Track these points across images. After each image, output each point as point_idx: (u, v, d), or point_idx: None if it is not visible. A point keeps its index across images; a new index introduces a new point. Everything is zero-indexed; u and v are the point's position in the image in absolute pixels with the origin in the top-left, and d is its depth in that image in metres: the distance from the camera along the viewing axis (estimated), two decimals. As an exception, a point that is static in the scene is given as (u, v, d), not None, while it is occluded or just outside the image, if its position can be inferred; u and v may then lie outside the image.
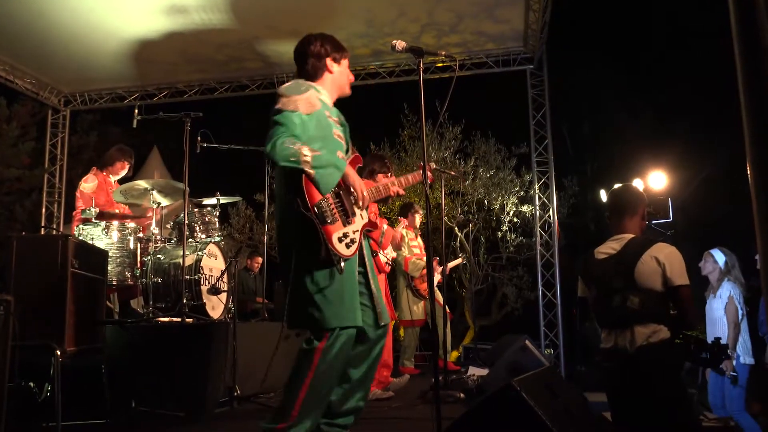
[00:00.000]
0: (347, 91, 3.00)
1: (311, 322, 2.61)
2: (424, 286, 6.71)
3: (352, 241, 2.65)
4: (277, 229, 2.84)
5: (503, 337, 6.76)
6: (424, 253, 6.92)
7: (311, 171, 2.54)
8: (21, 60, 7.96)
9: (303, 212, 2.54)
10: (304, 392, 2.55)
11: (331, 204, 2.63)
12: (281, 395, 2.65)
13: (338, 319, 2.58)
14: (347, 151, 2.93)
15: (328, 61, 2.88)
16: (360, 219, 2.78)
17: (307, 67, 2.87)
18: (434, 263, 6.83)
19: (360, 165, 2.94)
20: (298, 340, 5.96)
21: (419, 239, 6.98)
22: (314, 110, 2.69)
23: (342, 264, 2.58)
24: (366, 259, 2.85)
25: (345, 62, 2.95)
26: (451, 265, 8.01)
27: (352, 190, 2.72)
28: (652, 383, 2.79)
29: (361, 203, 2.74)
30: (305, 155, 2.53)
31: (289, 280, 2.65)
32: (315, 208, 2.55)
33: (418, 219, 6.82)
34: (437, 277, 6.88)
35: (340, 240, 2.60)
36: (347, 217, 2.69)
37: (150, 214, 5.44)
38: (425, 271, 6.67)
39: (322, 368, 2.56)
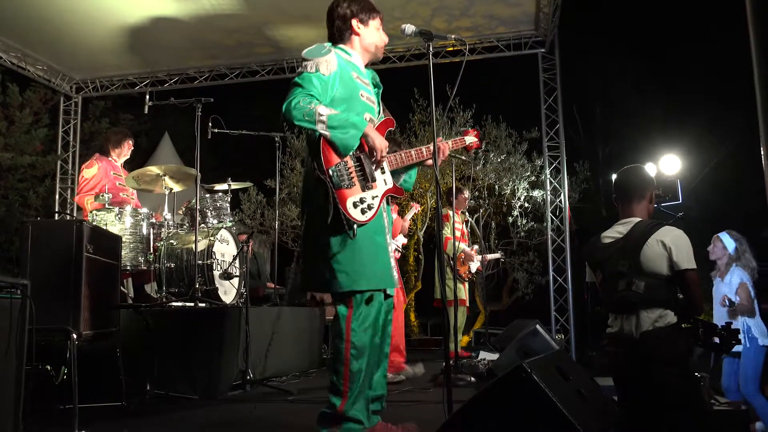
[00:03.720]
0: (379, 54, 2.93)
1: (324, 285, 2.63)
2: (464, 269, 6.72)
3: (369, 206, 2.60)
4: (301, 191, 2.83)
5: (514, 322, 6.76)
6: (466, 239, 6.95)
7: (327, 132, 2.50)
8: (33, 47, 7.99)
9: (318, 176, 2.52)
10: (348, 365, 2.55)
11: (349, 167, 2.58)
12: (329, 372, 2.67)
13: (352, 284, 2.57)
14: (378, 114, 2.86)
15: (354, 22, 2.82)
16: (383, 184, 2.72)
17: (333, 30, 2.84)
18: (473, 252, 6.84)
19: (391, 128, 2.85)
20: (312, 326, 6.02)
21: (464, 225, 6.99)
22: (334, 71, 2.65)
23: (355, 229, 2.54)
24: (386, 227, 2.78)
25: (374, 23, 2.88)
26: (489, 257, 8.04)
27: (372, 150, 2.64)
28: (657, 368, 2.77)
29: (378, 162, 2.66)
30: (320, 114, 2.49)
31: (304, 242, 2.67)
32: (330, 171, 2.51)
33: (466, 194, 6.89)
34: (476, 265, 6.89)
35: (355, 205, 2.55)
36: (366, 182, 2.63)
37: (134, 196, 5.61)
38: (463, 254, 6.69)
39: (355, 337, 2.56)
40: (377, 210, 2.64)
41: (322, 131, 2.50)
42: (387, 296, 2.76)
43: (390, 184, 2.76)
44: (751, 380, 5.04)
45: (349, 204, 2.53)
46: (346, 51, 2.82)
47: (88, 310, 3.37)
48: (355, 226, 2.54)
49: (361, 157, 2.63)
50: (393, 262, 2.76)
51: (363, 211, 2.57)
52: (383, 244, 2.70)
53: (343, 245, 2.57)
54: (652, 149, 10.53)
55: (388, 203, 2.82)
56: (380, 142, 2.64)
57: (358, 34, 2.84)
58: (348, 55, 2.81)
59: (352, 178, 2.58)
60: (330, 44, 2.79)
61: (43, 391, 3.20)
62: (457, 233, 6.68)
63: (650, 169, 7.07)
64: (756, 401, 4.97)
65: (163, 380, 3.99)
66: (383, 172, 2.74)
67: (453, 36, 2.99)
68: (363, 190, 2.60)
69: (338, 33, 2.83)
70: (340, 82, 2.68)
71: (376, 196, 2.65)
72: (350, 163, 2.59)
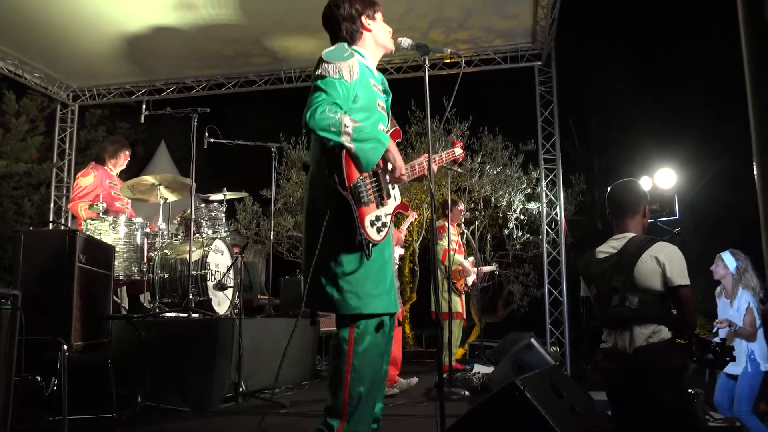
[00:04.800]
0: (391, 46, 2.77)
1: (332, 305, 2.49)
2: (461, 282, 6.70)
3: (384, 225, 2.50)
4: (306, 204, 2.65)
5: (509, 334, 6.75)
6: (462, 251, 6.93)
7: (351, 145, 2.37)
8: (30, 54, 7.99)
9: (339, 191, 2.39)
10: (348, 388, 2.44)
11: (367, 183, 2.48)
12: (327, 394, 2.55)
13: (362, 306, 2.45)
14: (387, 122, 2.75)
15: (364, 20, 2.67)
16: (393, 200, 2.62)
17: (342, 34, 2.66)
18: (470, 264, 6.83)
19: (399, 139, 2.77)
20: (305, 337, 5.98)
21: (460, 237, 6.98)
22: (356, 78, 2.50)
23: (371, 248, 2.44)
24: (392, 242, 2.70)
25: (380, 15, 2.73)
26: (485, 269, 8.04)
27: (392, 167, 2.54)
28: (650, 384, 2.76)
29: (401, 181, 2.58)
30: (346, 125, 2.35)
31: (314, 258, 2.49)
32: (352, 187, 2.40)
33: (461, 206, 6.85)
34: (472, 278, 6.88)
35: (372, 224, 2.45)
36: (381, 199, 2.53)
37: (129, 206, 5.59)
38: (461, 267, 6.68)
39: (358, 360, 2.45)
40: (389, 228, 2.56)
41: (346, 143, 2.37)
42: (391, 315, 2.66)
43: (399, 200, 2.68)
44: (746, 401, 5.03)
45: (367, 223, 2.43)
46: (361, 53, 2.66)
47: (80, 321, 3.35)
48: (370, 245, 2.45)
49: (378, 172, 2.54)
50: (397, 283, 2.68)
51: (378, 230, 2.48)
52: (391, 263, 2.62)
53: (357, 265, 2.46)
54: (648, 162, 10.55)
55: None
56: (401, 161, 2.56)
57: (369, 31, 2.69)
58: (363, 58, 2.65)
59: (370, 195, 2.48)
60: (347, 44, 2.64)
61: (33, 402, 3.17)
62: (453, 245, 6.65)
63: (646, 182, 7.09)
64: (749, 421, 4.98)
65: (155, 392, 3.95)
66: (393, 188, 2.66)
67: (449, 50, 2.94)
68: (377, 207, 2.51)
69: (349, 36, 2.66)
70: (360, 90, 2.54)
71: (389, 214, 2.57)
72: (368, 179, 2.49)
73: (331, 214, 2.47)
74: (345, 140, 2.36)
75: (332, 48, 2.57)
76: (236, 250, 7.51)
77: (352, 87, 2.49)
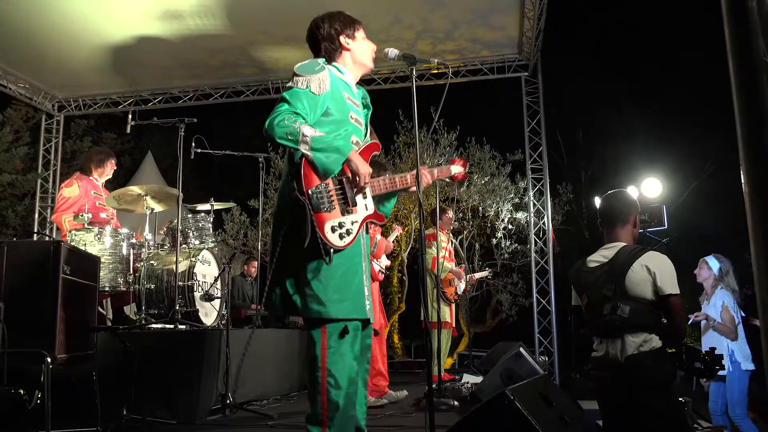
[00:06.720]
0: (370, 65, 2.86)
1: (296, 308, 2.52)
2: (450, 290, 6.68)
3: (348, 231, 2.51)
4: (274, 211, 2.71)
5: (498, 344, 6.74)
6: (452, 258, 6.92)
7: (309, 153, 2.42)
8: (15, 65, 7.93)
9: (297, 196, 2.44)
10: (325, 393, 2.45)
11: (330, 190, 2.51)
12: (307, 403, 2.54)
13: (325, 311, 2.47)
14: (365, 136, 2.79)
15: (342, 39, 2.75)
16: (363, 209, 2.65)
17: (321, 53, 2.77)
18: (461, 270, 6.82)
19: (377, 152, 2.79)
20: (293, 348, 5.95)
21: (450, 245, 6.96)
22: (326, 91, 2.57)
23: (332, 254, 2.45)
24: (364, 253, 2.69)
25: (360, 34, 2.81)
26: (477, 275, 8.03)
27: (354, 175, 2.57)
28: (642, 392, 2.77)
29: (360, 187, 2.58)
30: (305, 135, 2.41)
31: (274, 262, 2.54)
32: (310, 193, 2.44)
33: (450, 214, 6.81)
34: (462, 285, 6.86)
35: (333, 230, 2.47)
36: (347, 206, 2.55)
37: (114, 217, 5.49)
38: (450, 274, 6.66)
39: (331, 365, 2.46)
40: (356, 236, 2.56)
41: (304, 151, 2.42)
42: (365, 324, 2.66)
43: (371, 210, 2.70)
44: (738, 404, 5.07)
45: (326, 228, 2.46)
46: (339, 69, 2.76)
47: (64, 333, 3.30)
48: (331, 251, 2.46)
49: (343, 180, 2.57)
50: (367, 291, 2.65)
51: (341, 236, 2.49)
52: (359, 271, 2.62)
53: (318, 271, 2.49)
54: (635, 172, 10.63)
55: (367, 230, 2.75)
56: (364, 169, 2.57)
57: (348, 50, 2.77)
58: (341, 73, 2.75)
59: (332, 201, 2.50)
60: (324, 60, 2.71)
61: (16, 416, 3.12)
62: (444, 252, 6.64)
63: (632, 192, 7.14)
64: (744, 425, 5.01)
65: (141, 405, 3.90)
66: (365, 197, 2.67)
67: (436, 60, 2.96)
68: (342, 215, 2.53)
69: (327, 54, 2.76)
70: (332, 102, 2.61)
71: (356, 222, 2.58)
72: (331, 186, 2.52)
73: (293, 220, 2.51)
74: (303, 148, 2.43)
75: (305, 62, 2.64)
76: (254, 264, 7.51)
77: (320, 99, 2.56)
